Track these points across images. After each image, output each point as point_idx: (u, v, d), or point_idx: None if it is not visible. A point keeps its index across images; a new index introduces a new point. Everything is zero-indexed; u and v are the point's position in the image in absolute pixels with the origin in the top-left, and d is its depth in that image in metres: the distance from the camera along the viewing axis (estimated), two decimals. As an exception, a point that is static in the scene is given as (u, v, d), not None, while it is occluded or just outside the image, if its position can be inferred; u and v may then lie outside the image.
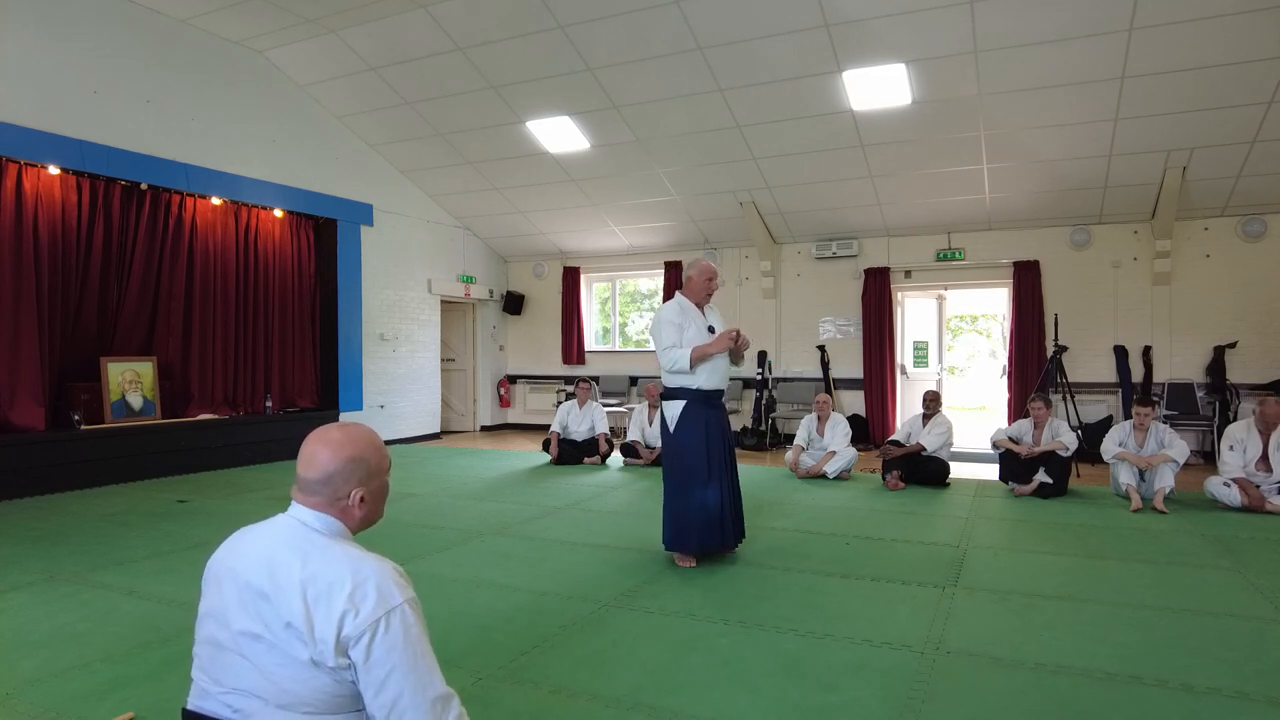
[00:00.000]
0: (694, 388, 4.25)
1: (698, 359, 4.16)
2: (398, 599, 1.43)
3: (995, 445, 6.53)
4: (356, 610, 1.38)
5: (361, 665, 1.38)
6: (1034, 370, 8.68)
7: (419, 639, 1.43)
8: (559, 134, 8.63)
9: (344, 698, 1.43)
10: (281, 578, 1.43)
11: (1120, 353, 8.58)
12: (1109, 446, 6.04)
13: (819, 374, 9.96)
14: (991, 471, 6.94)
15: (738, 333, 4.21)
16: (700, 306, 4.36)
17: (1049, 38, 6.23)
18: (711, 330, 4.31)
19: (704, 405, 4.26)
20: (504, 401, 12.02)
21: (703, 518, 4.16)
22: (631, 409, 9.36)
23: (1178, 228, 8.25)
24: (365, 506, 1.58)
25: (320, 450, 1.54)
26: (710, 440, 4.21)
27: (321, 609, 1.39)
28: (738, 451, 9.12)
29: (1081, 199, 8.29)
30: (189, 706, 1.53)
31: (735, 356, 4.32)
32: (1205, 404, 8.20)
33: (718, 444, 4.24)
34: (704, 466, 4.18)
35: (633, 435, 8.06)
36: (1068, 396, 7.67)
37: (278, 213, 8.61)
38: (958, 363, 17.52)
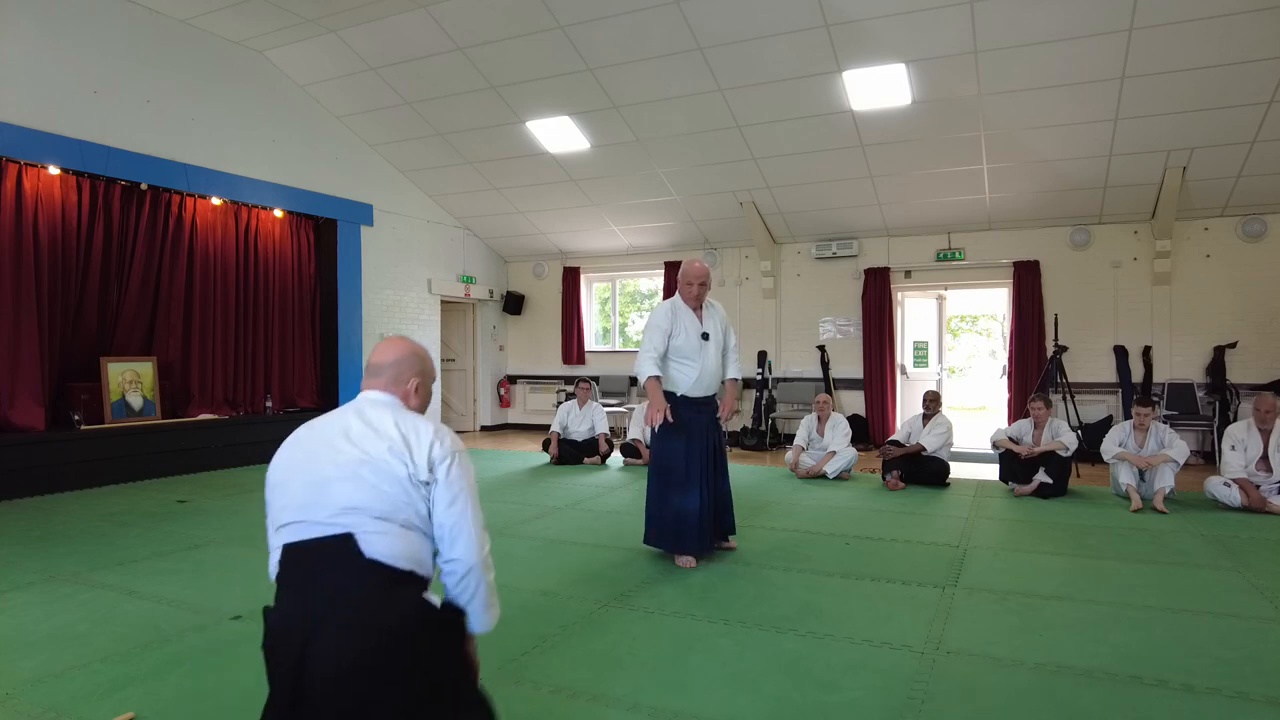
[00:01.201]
0: (678, 394, 4.25)
1: (648, 387, 4.14)
2: (462, 447, 1.91)
3: (995, 445, 6.53)
4: (441, 442, 1.84)
5: (443, 480, 1.82)
6: (1034, 370, 8.68)
7: (474, 482, 1.91)
8: (559, 134, 8.63)
9: (421, 516, 1.81)
10: (376, 423, 1.85)
11: (1120, 353, 8.57)
12: (1109, 446, 6.04)
13: (819, 374, 9.96)
14: (991, 471, 6.94)
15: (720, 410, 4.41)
16: (697, 309, 4.33)
17: (1049, 38, 6.23)
18: (706, 337, 4.27)
19: (688, 409, 4.25)
20: (504, 401, 12.02)
21: (677, 520, 4.17)
22: (632, 409, 9.36)
23: (1178, 228, 8.25)
24: (418, 397, 2.00)
25: (389, 347, 2.01)
26: (691, 444, 4.20)
27: (414, 438, 1.82)
28: (737, 451, 9.26)
29: (1081, 199, 8.29)
30: (288, 541, 1.78)
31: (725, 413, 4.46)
32: (1205, 404, 8.20)
33: (699, 448, 4.23)
34: (682, 469, 4.18)
35: (633, 434, 8.06)
36: (1068, 396, 7.67)
37: (278, 213, 8.61)
38: (958, 363, 17.51)
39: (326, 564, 1.73)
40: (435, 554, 1.85)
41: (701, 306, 4.34)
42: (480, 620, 1.86)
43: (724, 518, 4.41)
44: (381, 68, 8.00)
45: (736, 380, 4.51)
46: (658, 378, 4.15)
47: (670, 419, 4.09)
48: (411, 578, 1.76)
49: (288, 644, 1.67)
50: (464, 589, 1.83)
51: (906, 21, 6.31)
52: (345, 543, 1.73)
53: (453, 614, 1.83)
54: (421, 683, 1.69)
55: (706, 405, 4.35)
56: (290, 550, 1.78)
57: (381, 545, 1.74)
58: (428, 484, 1.81)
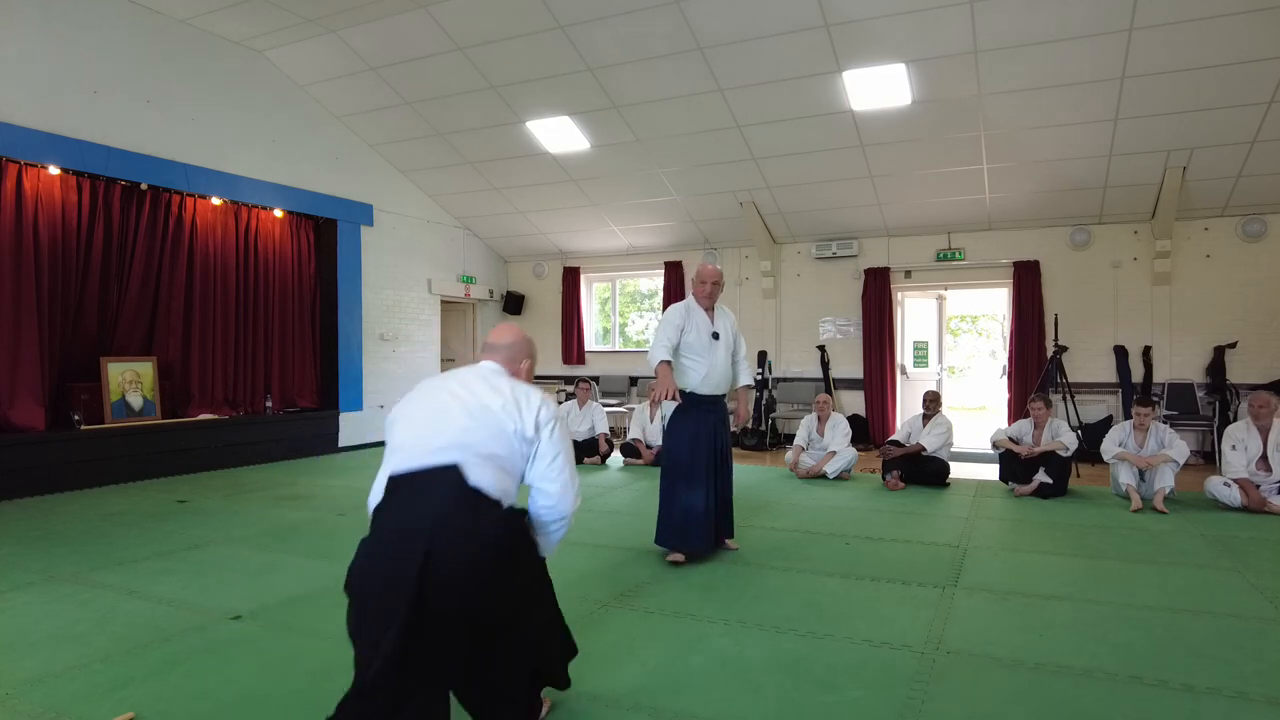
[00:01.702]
0: (687, 391, 4.31)
1: (658, 371, 4.17)
2: (563, 414, 2.27)
3: (995, 445, 6.53)
4: (547, 407, 2.22)
5: (547, 440, 2.19)
6: (1034, 370, 8.68)
7: (570, 447, 2.29)
8: (559, 134, 8.63)
9: (516, 466, 2.17)
10: (493, 382, 2.24)
11: (1120, 353, 8.57)
12: (1109, 446, 6.04)
13: (819, 374, 9.96)
14: (991, 471, 6.94)
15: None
16: (709, 310, 4.38)
17: (1049, 38, 6.23)
18: (716, 336, 4.34)
19: (696, 407, 4.31)
20: (504, 401, 12.00)
21: (684, 517, 4.21)
22: (632, 409, 9.36)
23: (1178, 228, 8.25)
24: (525, 377, 2.35)
25: (506, 331, 2.40)
26: (698, 442, 4.26)
27: (524, 401, 2.20)
28: (737, 451, 9.24)
29: (1081, 199, 8.28)
30: (395, 471, 2.09)
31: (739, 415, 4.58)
32: (1205, 404, 8.20)
33: (706, 446, 4.28)
34: (688, 467, 4.23)
35: (633, 434, 8.07)
36: (1068, 396, 7.67)
37: (278, 213, 8.61)
38: (958, 363, 17.50)
39: (434, 487, 2.03)
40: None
41: (714, 308, 4.42)
42: (546, 550, 2.29)
43: (724, 520, 4.42)
44: (381, 68, 8.00)
45: (750, 387, 4.58)
46: (668, 363, 4.20)
47: (678, 399, 4.18)
48: (500, 504, 2.08)
49: (403, 555, 1.92)
50: (552, 531, 2.25)
51: (906, 21, 6.31)
52: (452, 472, 2.05)
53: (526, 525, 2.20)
54: (515, 580, 2.10)
55: (715, 405, 4.41)
56: (398, 479, 2.07)
57: (483, 476, 2.06)
58: (531, 442, 2.16)
